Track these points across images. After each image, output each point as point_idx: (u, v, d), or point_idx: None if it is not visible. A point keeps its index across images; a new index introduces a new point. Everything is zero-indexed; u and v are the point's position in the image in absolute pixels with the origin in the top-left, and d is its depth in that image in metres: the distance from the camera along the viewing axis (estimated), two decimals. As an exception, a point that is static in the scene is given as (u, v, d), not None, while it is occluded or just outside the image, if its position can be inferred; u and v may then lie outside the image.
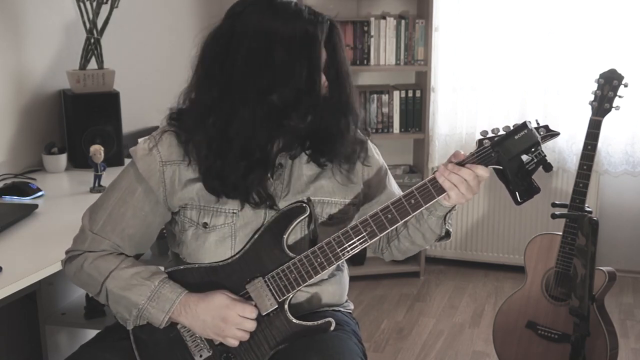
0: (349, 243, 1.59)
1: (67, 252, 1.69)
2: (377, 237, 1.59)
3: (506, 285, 3.89)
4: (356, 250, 1.60)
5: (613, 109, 2.62)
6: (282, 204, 1.64)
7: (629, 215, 3.92)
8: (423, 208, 1.57)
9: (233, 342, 1.60)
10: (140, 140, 1.67)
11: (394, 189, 1.79)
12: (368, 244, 1.60)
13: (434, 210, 1.64)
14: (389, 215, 1.57)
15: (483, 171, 1.55)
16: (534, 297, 2.78)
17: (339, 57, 1.60)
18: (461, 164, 1.56)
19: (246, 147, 1.55)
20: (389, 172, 1.81)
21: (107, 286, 1.61)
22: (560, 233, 2.72)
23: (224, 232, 1.63)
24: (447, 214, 1.65)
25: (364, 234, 1.58)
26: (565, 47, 3.72)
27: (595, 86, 2.64)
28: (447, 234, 1.71)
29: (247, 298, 1.62)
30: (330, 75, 1.59)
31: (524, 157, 1.59)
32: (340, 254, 1.59)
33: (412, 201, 1.56)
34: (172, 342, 1.64)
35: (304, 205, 1.62)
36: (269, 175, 1.62)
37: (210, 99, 1.56)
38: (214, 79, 1.56)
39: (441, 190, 1.56)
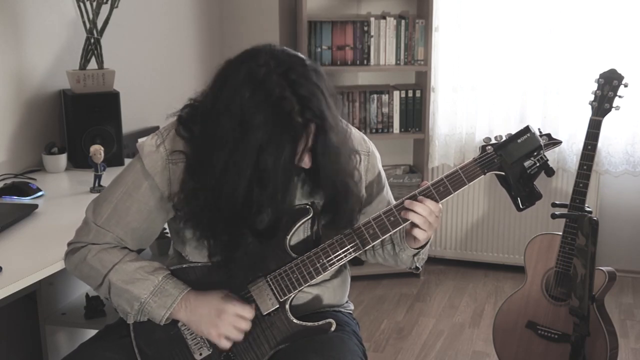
0: (351, 245, 1.60)
1: (69, 244, 1.69)
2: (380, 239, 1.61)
3: (506, 285, 3.89)
4: (358, 253, 1.63)
5: (613, 109, 2.62)
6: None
7: (629, 215, 3.92)
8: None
9: (225, 343, 1.60)
10: (147, 137, 1.66)
11: (389, 196, 1.83)
12: (370, 245, 1.62)
13: (404, 248, 1.70)
14: (392, 218, 1.61)
15: (432, 205, 1.59)
16: (534, 297, 2.78)
17: (330, 148, 1.52)
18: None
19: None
20: (385, 180, 1.82)
21: (110, 279, 1.61)
22: (560, 233, 2.72)
23: None
24: (416, 253, 1.71)
25: (367, 236, 1.61)
26: (566, 46, 3.72)
27: (595, 86, 2.64)
28: (417, 268, 1.78)
29: (248, 297, 1.62)
30: (321, 159, 1.54)
31: (526, 162, 1.59)
32: (343, 255, 1.61)
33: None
34: (172, 340, 1.64)
35: (308, 207, 1.62)
36: None
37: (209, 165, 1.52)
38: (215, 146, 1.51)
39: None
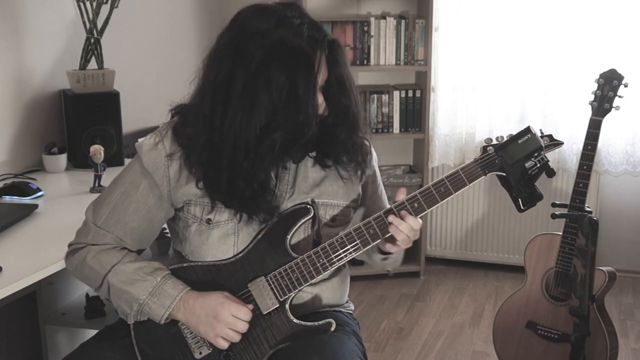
0: (352, 245, 1.60)
1: (69, 245, 1.69)
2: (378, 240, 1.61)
3: (506, 285, 3.89)
4: (358, 253, 1.62)
5: (613, 109, 2.62)
6: (287, 204, 1.65)
7: (629, 215, 3.92)
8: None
9: (222, 343, 1.60)
10: (145, 136, 1.68)
11: (383, 195, 1.83)
12: (371, 245, 1.61)
13: (374, 252, 1.73)
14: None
15: (414, 222, 1.59)
16: (534, 297, 2.78)
17: (342, 74, 1.60)
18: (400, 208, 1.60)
19: (250, 171, 1.56)
20: (380, 179, 1.83)
21: (109, 280, 1.62)
22: (560, 233, 2.72)
23: (227, 229, 1.64)
24: (384, 258, 1.75)
25: (367, 236, 1.60)
26: (566, 46, 3.72)
27: (595, 86, 2.64)
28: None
29: (248, 297, 1.62)
30: (333, 92, 1.60)
31: (527, 163, 1.59)
32: (343, 254, 1.61)
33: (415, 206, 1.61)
34: (172, 339, 1.65)
35: (309, 207, 1.63)
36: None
37: (211, 115, 1.56)
38: (216, 96, 1.56)
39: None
